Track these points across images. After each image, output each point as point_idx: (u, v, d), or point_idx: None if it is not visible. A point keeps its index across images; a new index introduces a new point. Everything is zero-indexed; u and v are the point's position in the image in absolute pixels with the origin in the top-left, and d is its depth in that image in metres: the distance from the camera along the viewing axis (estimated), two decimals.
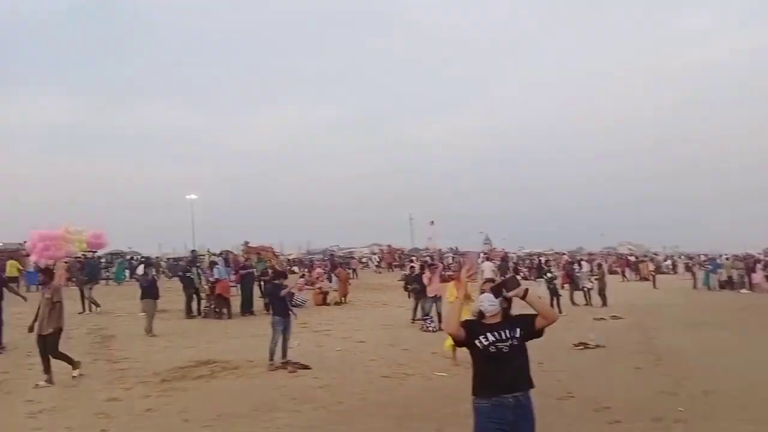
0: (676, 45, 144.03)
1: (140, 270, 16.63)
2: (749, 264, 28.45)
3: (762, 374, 8.92)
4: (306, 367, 9.61)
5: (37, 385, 8.52)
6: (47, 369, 8.72)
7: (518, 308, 3.91)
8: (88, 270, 18.22)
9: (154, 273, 15.69)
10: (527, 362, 3.75)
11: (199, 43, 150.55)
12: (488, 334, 3.65)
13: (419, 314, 14.89)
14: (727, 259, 32.53)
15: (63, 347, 10.94)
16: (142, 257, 37.57)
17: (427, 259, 29.69)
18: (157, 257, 44.10)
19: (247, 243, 31.63)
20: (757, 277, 26.64)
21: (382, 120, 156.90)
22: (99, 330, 14.19)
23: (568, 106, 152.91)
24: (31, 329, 8.91)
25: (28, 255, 10.26)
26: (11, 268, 25.76)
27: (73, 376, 8.91)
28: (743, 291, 26.41)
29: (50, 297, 8.77)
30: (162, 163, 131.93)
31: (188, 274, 17.24)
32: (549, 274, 18.86)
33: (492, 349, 3.62)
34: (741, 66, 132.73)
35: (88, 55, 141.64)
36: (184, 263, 24.13)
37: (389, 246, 57.46)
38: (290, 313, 10.35)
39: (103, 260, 36.15)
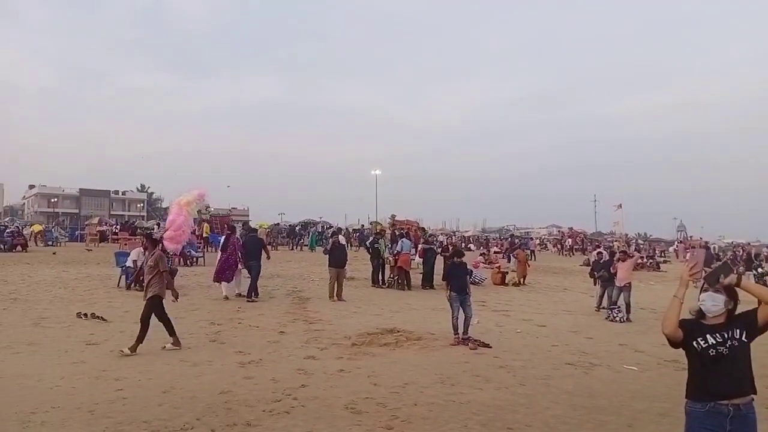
0: None
1: (342, 239, 17.54)
2: None
3: None
4: (487, 346, 9.68)
5: (164, 347, 8.65)
6: (140, 338, 8.44)
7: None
8: None
9: (337, 241, 16.15)
10: (750, 366, 3.42)
11: (385, 22, 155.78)
12: (708, 336, 3.39)
13: (605, 303, 14.21)
14: None
15: (265, 305, 12.12)
16: (330, 226, 40.15)
17: (614, 245, 28.04)
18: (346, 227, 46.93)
19: (393, 216, 32.91)
20: None
21: (565, 96, 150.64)
22: (297, 292, 15.54)
23: None
24: (136, 281, 9.56)
25: (161, 240, 10.81)
26: (205, 229, 31.38)
27: (164, 347, 8.66)
28: None
29: (153, 265, 8.69)
30: (348, 138, 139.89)
31: (376, 245, 18.12)
32: (760, 269, 16.90)
33: (711, 352, 3.36)
34: None
35: (285, 38, 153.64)
36: (369, 234, 25.32)
37: (570, 228, 55.26)
38: (467, 290, 10.41)
39: (298, 227, 39.47)
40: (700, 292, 3.55)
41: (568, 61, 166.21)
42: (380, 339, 9.85)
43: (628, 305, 13.38)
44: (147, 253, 9.26)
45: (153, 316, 8.61)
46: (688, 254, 3.53)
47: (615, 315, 13.18)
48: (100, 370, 7.46)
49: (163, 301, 8.78)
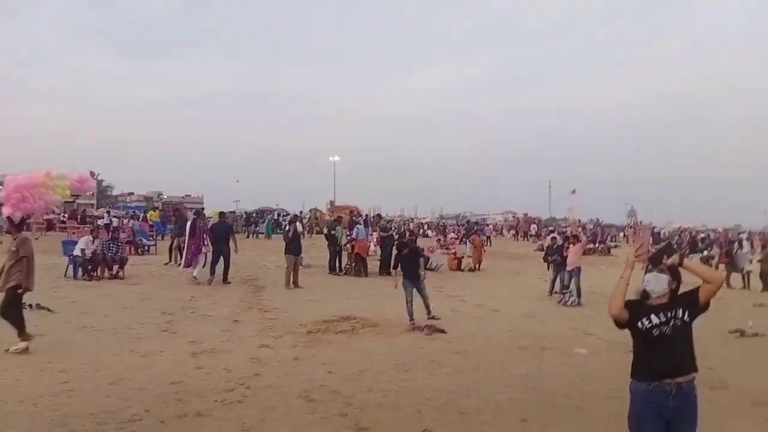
0: None
1: (299, 227, 17.19)
2: None
3: None
4: (442, 331, 9.75)
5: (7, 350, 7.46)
6: (22, 332, 7.58)
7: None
8: (180, 223, 19.19)
9: (296, 228, 15.86)
10: (692, 345, 3.51)
11: (348, 7, 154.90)
12: (652, 316, 3.45)
13: (558, 287, 14.51)
14: None
15: (218, 294, 11.83)
16: (287, 213, 39.81)
17: (567, 230, 28.63)
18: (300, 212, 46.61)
19: (332, 202, 33.18)
20: None
21: (529, 81, 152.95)
22: (252, 280, 15.35)
23: (738, 67, 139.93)
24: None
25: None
26: (152, 216, 30.86)
27: (7, 350, 7.43)
28: None
29: (15, 249, 7.70)
30: (309, 125, 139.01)
31: (333, 232, 18.01)
32: (705, 252, 17.49)
33: (655, 332, 3.43)
34: None
35: (243, 22, 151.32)
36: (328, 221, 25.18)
37: (525, 214, 56.13)
38: (419, 274, 10.61)
39: (254, 215, 39.00)
40: (645, 273, 3.62)
41: (524, 48, 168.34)
42: (336, 326, 9.80)
43: (578, 289, 13.67)
44: (12, 238, 8.03)
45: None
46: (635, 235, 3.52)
47: (567, 299, 13.47)
48: (46, 362, 7.20)
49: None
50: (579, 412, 6.03)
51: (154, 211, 33.98)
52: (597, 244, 32.81)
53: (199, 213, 16.95)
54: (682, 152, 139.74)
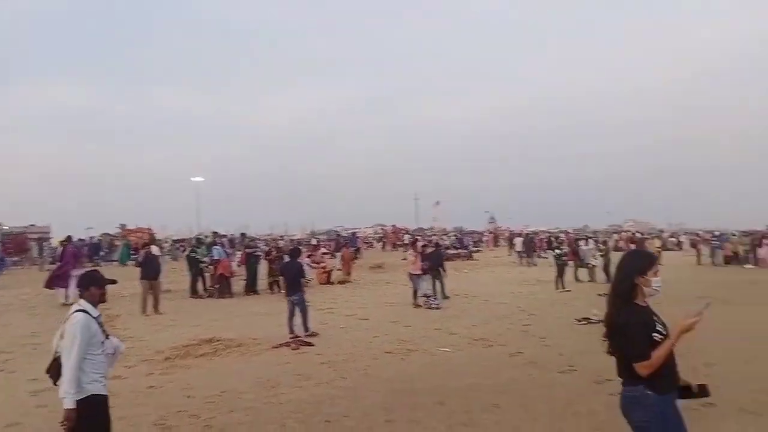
0: (692, 22, 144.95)
1: (155, 250, 16.21)
2: (755, 239, 28.18)
3: (762, 346, 8.87)
4: (309, 344, 9.64)
5: None
6: None
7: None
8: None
9: (149, 252, 14.81)
10: None
11: (216, 29, 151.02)
12: (658, 325, 3.08)
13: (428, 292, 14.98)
14: (734, 234, 31.88)
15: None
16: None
17: (433, 239, 29.63)
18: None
19: (123, 225, 32.20)
20: (763, 252, 26.39)
21: (393, 101, 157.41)
22: (104, 309, 14.22)
23: (579, 86, 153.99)
24: None
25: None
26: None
27: None
28: (748, 266, 26.20)
29: None
30: (173, 145, 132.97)
31: (193, 254, 17.24)
32: (557, 250, 18.82)
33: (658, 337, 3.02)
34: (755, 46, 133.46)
35: (106, 43, 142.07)
36: (188, 244, 24.09)
37: (393, 226, 57.37)
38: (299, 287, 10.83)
39: (98, 241, 36.13)
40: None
41: (391, 70, 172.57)
42: (197, 350, 9.35)
43: (415, 292, 14.42)
44: None
45: None
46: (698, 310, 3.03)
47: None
48: None
49: None
50: (441, 407, 6.16)
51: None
52: (460, 250, 34.25)
53: (69, 239, 16.75)
54: (537, 158, 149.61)
